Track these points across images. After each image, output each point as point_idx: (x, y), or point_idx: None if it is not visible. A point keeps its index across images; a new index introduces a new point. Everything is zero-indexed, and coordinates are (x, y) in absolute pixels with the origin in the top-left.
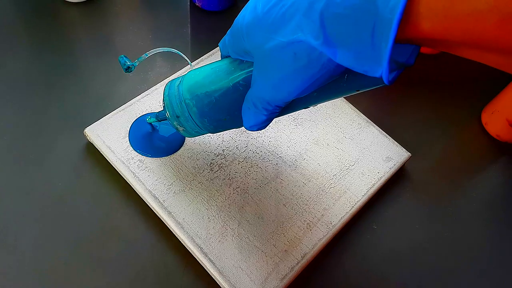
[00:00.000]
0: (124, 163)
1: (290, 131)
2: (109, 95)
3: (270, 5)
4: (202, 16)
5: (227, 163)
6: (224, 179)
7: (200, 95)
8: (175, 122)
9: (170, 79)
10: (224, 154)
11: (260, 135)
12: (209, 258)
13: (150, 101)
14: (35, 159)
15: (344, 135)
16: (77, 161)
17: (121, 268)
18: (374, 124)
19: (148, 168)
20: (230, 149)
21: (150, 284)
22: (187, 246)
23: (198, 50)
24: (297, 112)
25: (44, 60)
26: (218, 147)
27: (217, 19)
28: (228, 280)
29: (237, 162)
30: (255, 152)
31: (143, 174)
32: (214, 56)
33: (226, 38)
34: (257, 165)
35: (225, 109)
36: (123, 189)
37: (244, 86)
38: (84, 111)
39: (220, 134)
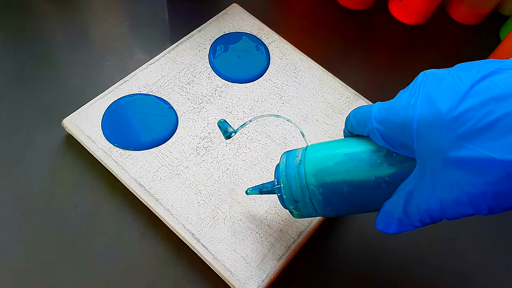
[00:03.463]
0: (106, 152)
1: (277, 109)
2: (87, 85)
3: (464, 108)
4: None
5: (214, 145)
6: (212, 162)
7: (330, 184)
8: (291, 206)
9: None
10: (210, 137)
11: (247, 116)
12: (202, 244)
13: (129, 87)
14: (12, 156)
15: (333, 110)
16: (57, 155)
17: (109, 262)
18: (363, 97)
19: (132, 155)
20: (216, 131)
21: (141, 276)
22: (178, 233)
23: (177, 34)
24: (283, 89)
25: (17, 54)
26: (203, 130)
27: (195, 1)
28: (223, 265)
29: (224, 144)
30: (242, 133)
31: (127, 162)
32: (192, 38)
33: (354, 120)
34: (245, 146)
35: (358, 203)
36: (107, 180)
37: (388, 183)
38: (62, 103)
39: (205, 117)
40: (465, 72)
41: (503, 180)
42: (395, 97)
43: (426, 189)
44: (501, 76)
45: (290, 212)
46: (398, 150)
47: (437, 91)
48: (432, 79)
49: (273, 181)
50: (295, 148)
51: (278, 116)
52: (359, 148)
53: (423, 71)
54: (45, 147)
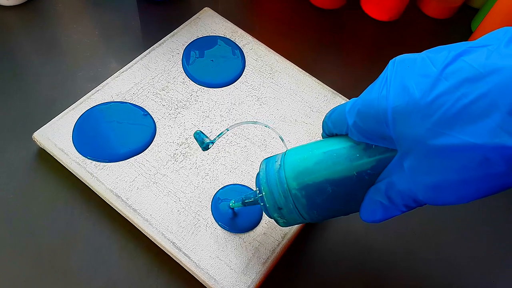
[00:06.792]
0: (79, 164)
1: (255, 111)
2: (58, 97)
3: (438, 93)
4: (150, 6)
5: (191, 151)
6: (191, 168)
7: (312, 185)
8: (275, 214)
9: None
10: (187, 143)
11: (225, 120)
12: (184, 252)
13: (102, 96)
14: None
15: (311, 109)
16: (30, 170)
17: (89, 278)
18: (341, 95)
19: (106, 166)
20: (193, 137)
21: None
22: (159, 243)
23: (150, 40)
24: (260, 91)
25: None
26: (180, 135)
27: (166, 8)
28: (207, 273)
29: None
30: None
31: (102, 173)
32: (165, 44)
33: (329, 122)
34: (224, 149)
35: (343, 200)
36: (82, 193)
37: (371, 175)
38: (33, 117)
39: (181, 122)
40: (436, 54)
41: (483, 165)
42: (367, 89)
43: (407, 176)
44: (474, 55)
45: (276, 221)
46: (377, 143)
47: (408, 77)
48: (402, 65)
49: (255, 190)
50: (275, 150)
51: (255, 122)
52: (337, 145)
53: (393, 59)
54: (16, 163)
